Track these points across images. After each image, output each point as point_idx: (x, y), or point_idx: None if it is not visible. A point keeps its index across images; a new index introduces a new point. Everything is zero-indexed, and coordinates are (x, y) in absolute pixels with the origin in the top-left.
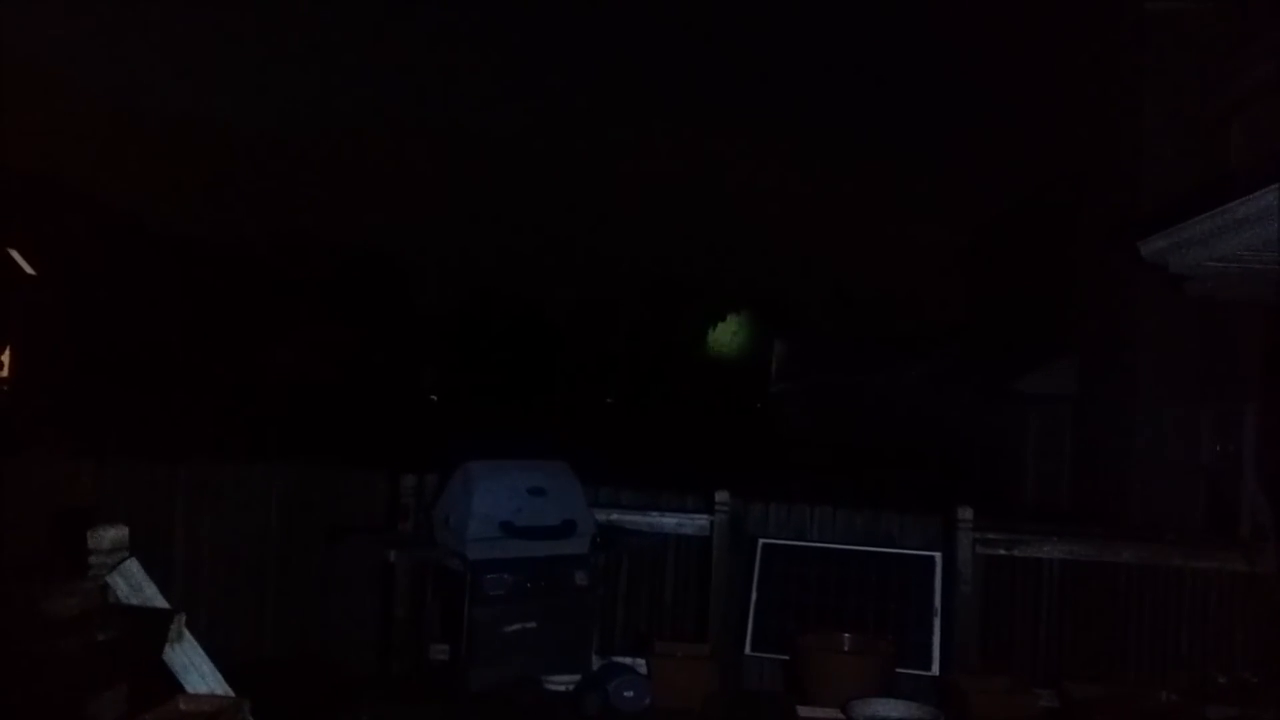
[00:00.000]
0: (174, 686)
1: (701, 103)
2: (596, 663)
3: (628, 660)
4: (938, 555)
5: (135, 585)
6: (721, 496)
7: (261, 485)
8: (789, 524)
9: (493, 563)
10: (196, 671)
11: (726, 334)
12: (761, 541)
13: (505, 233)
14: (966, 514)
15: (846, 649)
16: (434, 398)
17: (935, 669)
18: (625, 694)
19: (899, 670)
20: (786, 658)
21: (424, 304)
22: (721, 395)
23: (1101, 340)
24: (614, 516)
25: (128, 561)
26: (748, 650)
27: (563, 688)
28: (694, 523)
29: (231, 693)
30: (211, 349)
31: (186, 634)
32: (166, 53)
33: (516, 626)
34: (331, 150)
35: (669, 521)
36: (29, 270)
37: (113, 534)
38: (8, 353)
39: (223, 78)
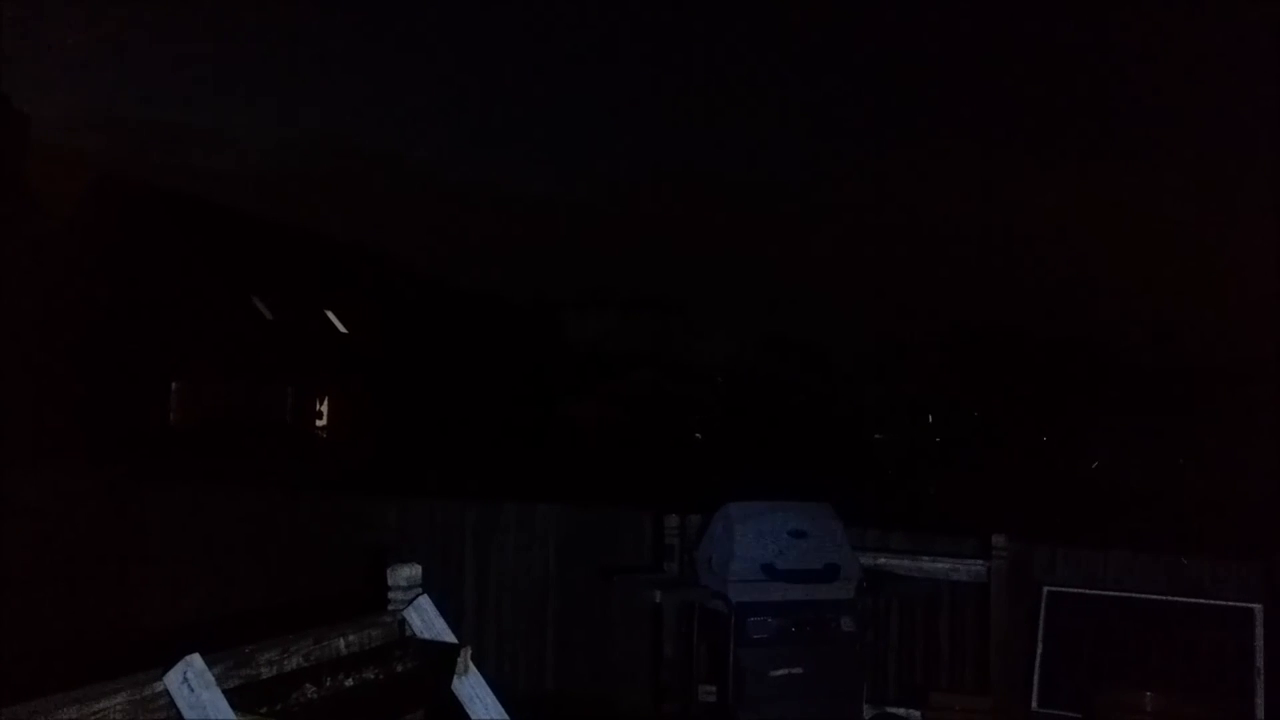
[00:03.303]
0: (462, 717)
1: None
2: (868, 712)
3: (901, 711)
4: (1258, 608)
5: (428, 620)
6: (999, 540)
7: (541, 526)
8: (1079, 570)
9: (756, 605)
10: (481, 703)
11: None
12: (1046, 589)
13: (790, 277)
14: None
15: (1151, 709)
16: (698, 435)
17: None
18: None
19: None
20: (1078, 716)
21: (703, 347)
22: (1003, 439)
23: None
24: (881, 560)
25: (421, 598)
26: (1034, 706)
27: None
28: (969, 568)
29: None
30: (492, 397)
31: (472, 667)
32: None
33: (783, 671)
34: (612, 205)
35: (941, 566)
36: (342, 329)
37: (408, 572)
38: (326, 403)
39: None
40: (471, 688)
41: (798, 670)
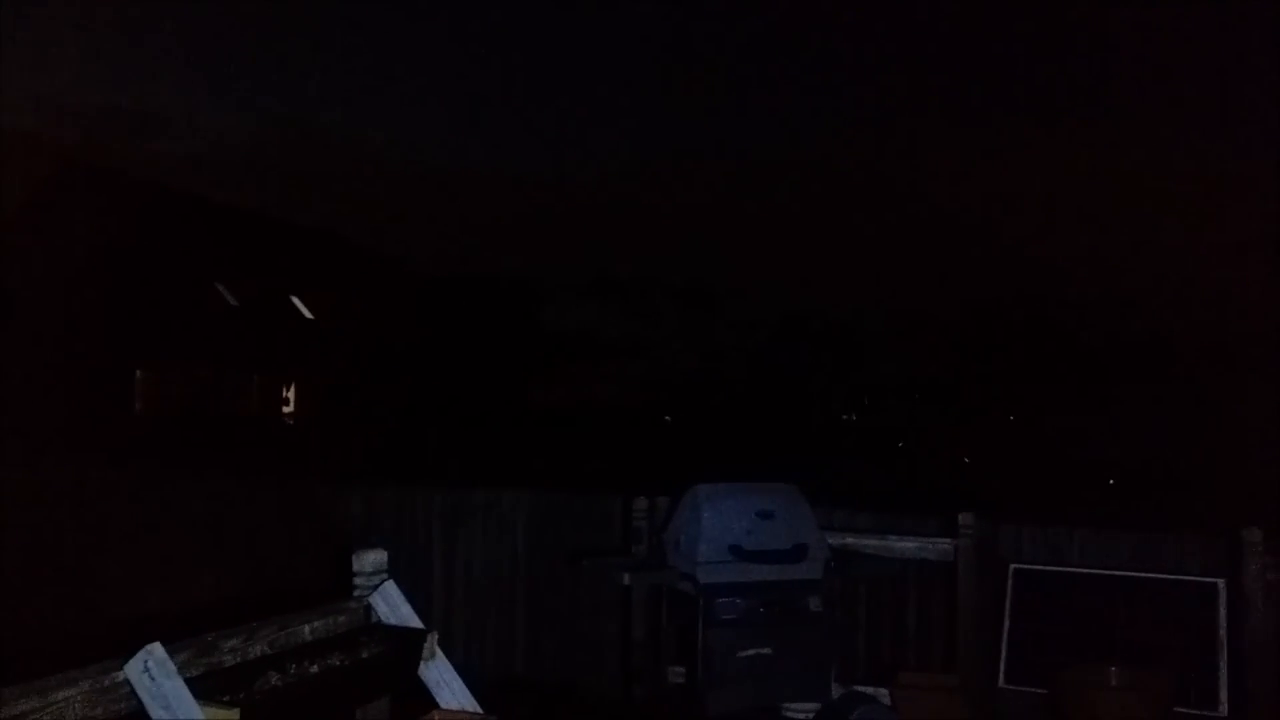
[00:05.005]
0: (429, 702)
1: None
2: (837, 691)
3: (869, 690)
4: (1221, 582)
5: (393, 605)
6: (966, 519)
7: (509, 511)
8: (1045, 547)
9: (724, 586)
10: (448, 688)
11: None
12: (1013, 567)
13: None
14: (1255, 536)
15: (1116, 684)
16: (667, 419)
17: (1223, 710)
18: None
19: (1178, 710)
20: (1045, 692)
21: (671, 333)
22: (968, 417)
23: None
24: (849, 540)
25: (387, 583)
26: (1001, 683)
27: (802, 716)
28: (936, 547)
29: (480, 710)
30: (462, 383)
31: (439, 652)
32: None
33: (751, 652)
34: (601, 189)
35: (909, 546)
36: (308, 315)
37: (374, 557)
38: (292, 390)
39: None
40: (438, 672)
41: (766, 650)
